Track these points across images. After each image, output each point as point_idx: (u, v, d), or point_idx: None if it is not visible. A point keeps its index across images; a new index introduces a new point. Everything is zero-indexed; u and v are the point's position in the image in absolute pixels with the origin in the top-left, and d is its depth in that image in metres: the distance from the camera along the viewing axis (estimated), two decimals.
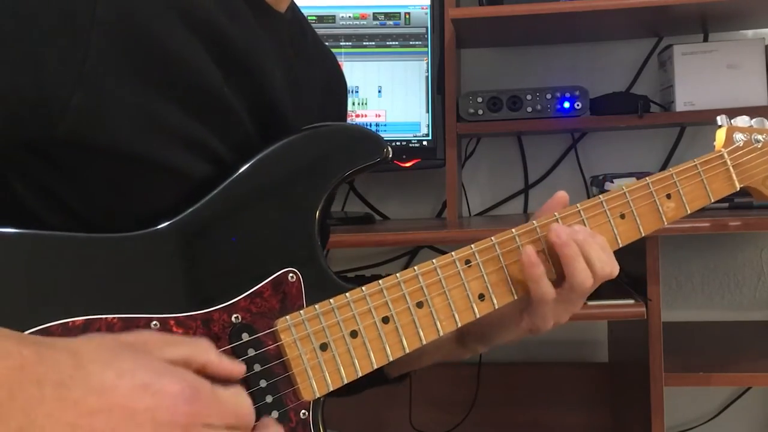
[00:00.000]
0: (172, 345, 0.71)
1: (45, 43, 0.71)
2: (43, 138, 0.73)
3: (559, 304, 0.95)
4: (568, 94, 1.94)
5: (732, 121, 1.11)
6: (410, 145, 1.97)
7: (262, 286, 0.83)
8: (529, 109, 1.94)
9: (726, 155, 1.07)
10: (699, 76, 1.94)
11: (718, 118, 1.11)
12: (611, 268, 0.95)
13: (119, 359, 0.66)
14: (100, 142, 0.75)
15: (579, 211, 0.97)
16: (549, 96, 1.94)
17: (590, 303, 1.52)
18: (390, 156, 0.91)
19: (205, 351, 0.73)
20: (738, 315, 2.17)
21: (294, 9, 1.02)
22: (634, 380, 1.69)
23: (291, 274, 0.84)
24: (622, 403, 1.95)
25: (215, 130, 0.83)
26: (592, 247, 0.93)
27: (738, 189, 1.08)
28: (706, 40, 2.12)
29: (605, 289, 1.69)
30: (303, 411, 0.83)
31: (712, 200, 1.05)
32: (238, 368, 0.75)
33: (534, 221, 0.95)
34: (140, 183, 0.79)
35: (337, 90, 1.14)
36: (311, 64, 1.04)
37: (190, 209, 0.81)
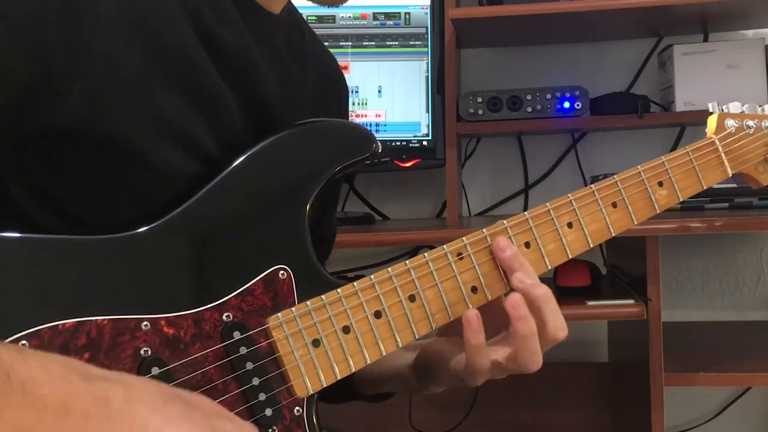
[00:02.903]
0: (223, 418, 0.71)
1: (49, 33, 0.71)
2: (42, 129, 0.74)
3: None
4: (568, 94, 1.94)
5: (723, 107, 1.10)
6: (410, 145, 1.97)
7: (253, 283, 0.83)
8: (529, 109, 1.94)
9: (717, 142, 1.06)
10: (699, 76, 1.94)
11: (710, 105, 1.10)
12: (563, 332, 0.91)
13: (169, 407, 0.66)
14: (98, 133, 0.75)
15: (570, 201, 0.96)
16: (549, 96, 1.94)
17: (590, 303, 1.53)
18: (380, 151, 0.91)
19: None
20: (738, 315, 2.17)
21: (290, 10, 1.02)
22: (634, 380, 1.69)
23: (282, 272, 0.84)
24: (622, 403, 1.95)
25: (210, 128, 0.83)
26: (549, 309, 0.89)
27: (730, 175, 1.07)
28: (706, 40, 2.12)
29: (605, 289, 1.70)
30: (297, 408, 0.84)
31: (704, 187, 1.04)
32: None
33: (525, 213, 0.94)
34: (134, 179, 0.79)
35: (335, 91, 1.13)
36: (308, 65, 1.04)
37: (180, 208, 0.81)
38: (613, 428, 2.10)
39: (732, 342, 1.92)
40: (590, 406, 2.13)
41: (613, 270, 1.96)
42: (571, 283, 1.64)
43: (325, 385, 0.84)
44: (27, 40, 0.71)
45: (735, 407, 2.15)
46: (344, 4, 1.01)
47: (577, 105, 1.93)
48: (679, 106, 1.94)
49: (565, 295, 1.62)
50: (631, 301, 1.52)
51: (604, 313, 1.62)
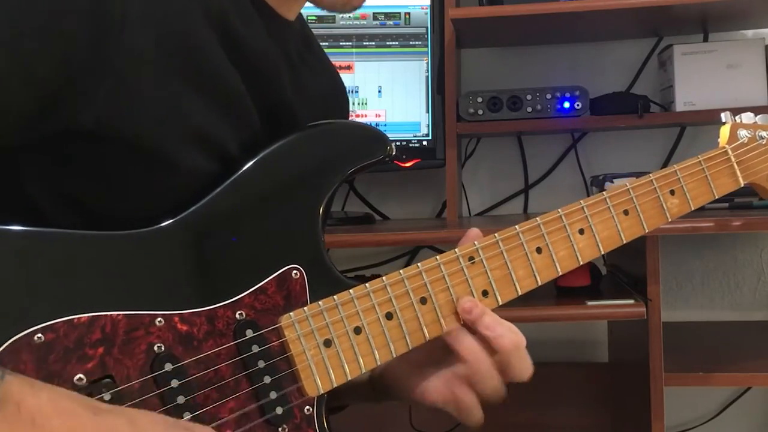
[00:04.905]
0: None
1: (76, 34, 0.72)
2: (66, 130, 0.75)
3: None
4: (568, 94, 1.94)
5: (736, 117, 1.11)
6: (410, 145, 1.97)
7: (266, 282, 0.83)
8: (529, 109, 1.94)
9: (730, 152, 1.07)
10: (699, 76, 1.94)
11: (722, 114, 1.11)
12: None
13: None
14: (122, 134, 0.76)
15: (583, 207, 0.96)
16: (549, 96, 1.94)
17: (590, 303, 1.53)
18: (394, 153, 0.92)
19: None
20: (738, 315, 2.17)
21: (301, 20, 1.03)
22: (634, 380, 1.69)
23: (295, 271, 0.85)
24: (622, 403, 1.95)
25: (231, 129, 0.84)
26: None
27: (742, 185, 1.08)
28: (706, 40, 2.12)
29: (605, 289, 1.70)
30: (307, 407, 0.84)
31: (716, 196, 1.05)
32: None
33: (537, 218, 0.95)
34: (155, 179, 0.80)
35: (339, 103, 1.14)
36: (316, 74, 1.05)
37: (195, 206, 0.81)
38: (613, 428, 2.10)
39: (732, 342, 1.92)
40: (590, 406, 2.13)
41: (613, 270, 1.97)
42: (571, 283, 1.64)
43: (335, 385, 0.85)
44: (54, 40, 0.71)
45: (735, 407, 2.15)
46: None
47: (577, 105, 1.94)
48: (679, 106, 1.94)
49: (565, 295, 1.62)
50: (631, 301, 1.52)
51: (604, 313, 1.62)
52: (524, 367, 0.90)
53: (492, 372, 0.88)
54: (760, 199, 1.70)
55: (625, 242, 0.98)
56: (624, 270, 1.84)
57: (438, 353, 0.91)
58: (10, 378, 0.65)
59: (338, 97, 1.13)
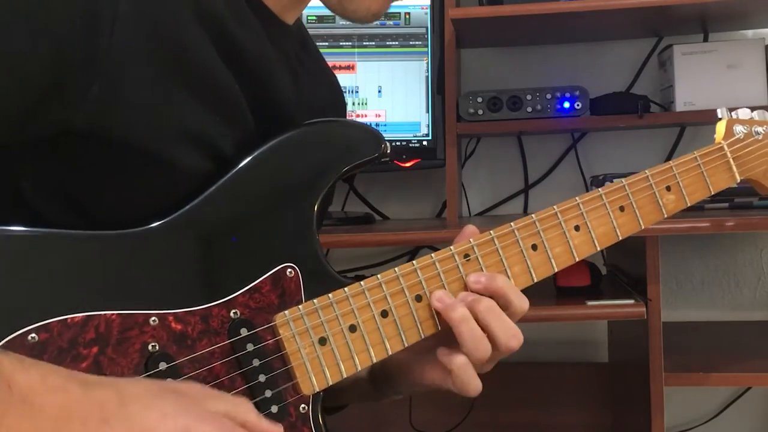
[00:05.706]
0: (215, 399, 0.73)
1: (70, 34, 0.72)
2: (58, 130, 0.75)
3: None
4: (568, 94, 1.94)
5: (732, 113, 1.10)
6: (410, 145, 1.97)
7: (260, 281, 0.83)
8: (529, 109, 1.94)
9: (726, 147, 1.07)
10: (699, 76, 1.93)
11: (718, 110, 1.10)
12: (517, 338, 0.89)
13: (163, 402, 0.68)
14: (115, 134, 0.76)
15: (578, 204, 0.96)
16: (549, 96, 1.94)
17: (590, 303, 1.52)
18: (388, 152, 0.92)
19: (244, 411, 0.74)
20: (738, 315, 2.16)
21: (300, 24, 1.04)
22: (634, 380, 1.69)
23: (289, 270, 0.85)
24: (622, 403, 1.95)
25: (225, 129, 0.84)
26: (492, 315, 0.87)
27: (738, 181, 1.07)
28: (706, 40, 2.12)
29: (605, 289, 1.70)
30: (302, 405, 0.84)
31: (713, 192, 1.04)
32: (276, 429, 0.76)
33: (533, 215, 0.95)
34: (149, 178, 0.80)
35: (338, 106, 1.14)
36: (313, 77, 1.05)
37: (189, 205, 0.82)
38: (613, 428, 2.10)
39: (732, 342, 1.91)
40: (590, 406, 2.13)
41: (613, 270, 1.97)
42: (571, 283, 1.64)
43: (330, 383, 0.85)
44: (45, 40, 0.71)
45: (735, 407, 2.15)
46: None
47: (577, 105, 1.93)
48: (679, 106, 1.94)
49: (565, 295, 1.62)
50: (631, 301, 1.52)
51: (604, 313, 1.62)
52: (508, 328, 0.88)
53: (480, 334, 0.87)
54: (761, 199, 1.70)
55: (621, 238, 0.98)
56: (624, 270, 1.83)
57: (441, 338, 0.90)
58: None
59: (335, 100, 1.13)
